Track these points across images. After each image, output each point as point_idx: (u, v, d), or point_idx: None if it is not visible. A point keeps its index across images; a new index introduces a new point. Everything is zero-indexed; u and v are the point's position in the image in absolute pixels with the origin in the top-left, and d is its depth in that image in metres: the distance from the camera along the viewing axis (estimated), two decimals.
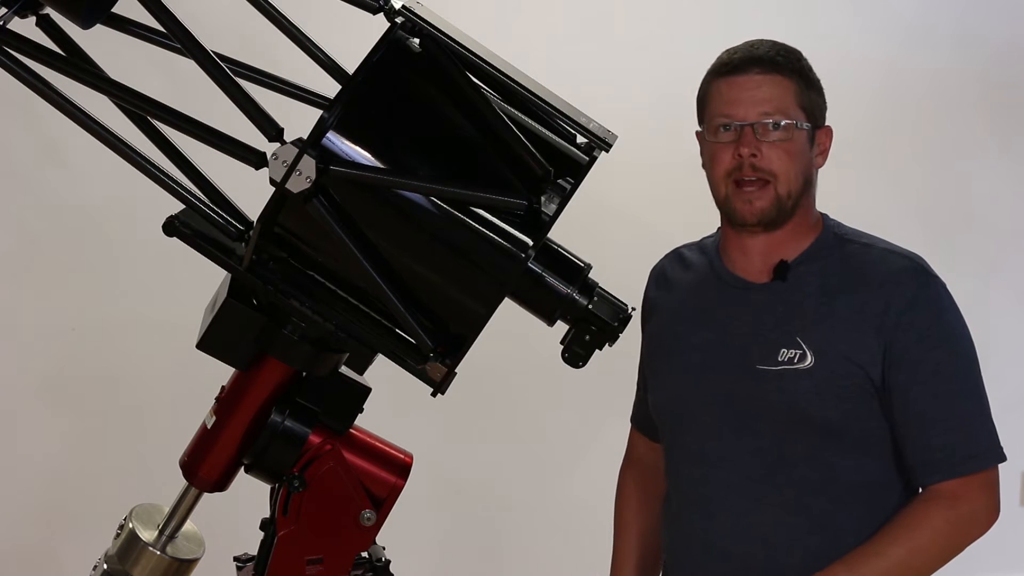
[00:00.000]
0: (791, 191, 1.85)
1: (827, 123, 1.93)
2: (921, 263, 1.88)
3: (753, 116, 1.83)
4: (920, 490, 1.87)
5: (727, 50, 1.90)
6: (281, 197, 1.47)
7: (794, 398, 1.83)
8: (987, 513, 1.84)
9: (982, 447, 1.83)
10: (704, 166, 1.91)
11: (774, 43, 1.89)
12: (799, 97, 1.86)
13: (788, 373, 1.83)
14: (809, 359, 1.83)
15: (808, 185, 1.89)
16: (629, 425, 2.24)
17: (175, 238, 1.57)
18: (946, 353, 1.84)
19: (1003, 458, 1.84)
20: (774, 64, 1.85)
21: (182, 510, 1.71)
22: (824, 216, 1.96)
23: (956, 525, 1.81)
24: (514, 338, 2.38)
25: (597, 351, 1.69)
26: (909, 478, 1.87)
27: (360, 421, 1.72)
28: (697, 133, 1.93)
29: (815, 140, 1.89)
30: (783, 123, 1.83)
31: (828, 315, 1.85)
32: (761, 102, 1.83)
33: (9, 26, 1.51)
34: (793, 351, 1.84)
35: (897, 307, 1.81)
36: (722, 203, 1.89)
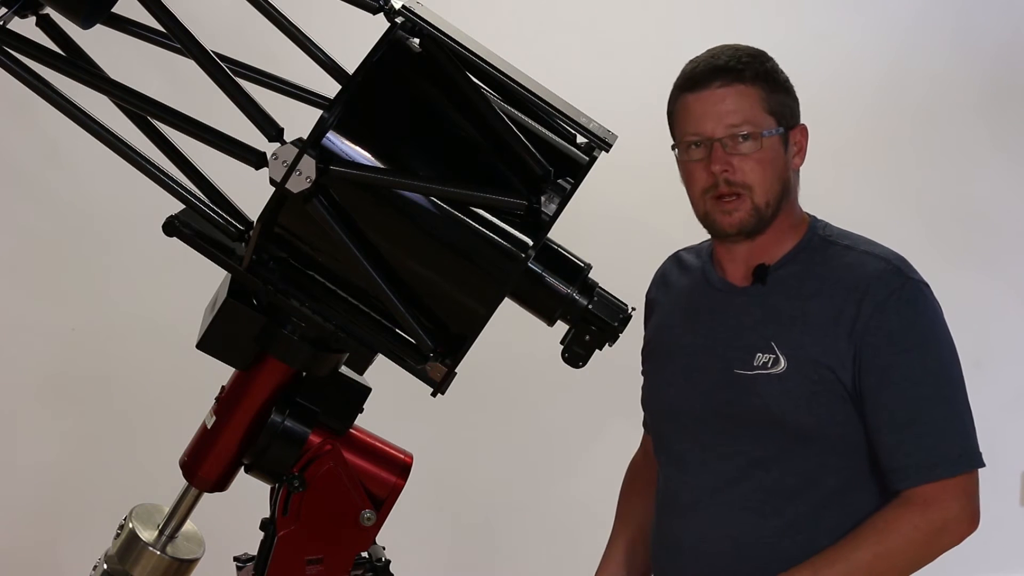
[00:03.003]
0: (769, 200, 1.84)
1: (804, 121, 1.91)
2: (899, 265, 1.86)
3: (721, 131, 1.82)
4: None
5: (690, 61, 1.89)
6: (281, 197, 1.47)
7: (767, 402, 1.83)
8: (961, 521, 1.80)
9: (954, 452, 1.80)
10: (683, 182, 1.91)
11: (736, 49, 1.87)
12: (765, 103, 1.84)
13: (761, 378, 1.84)
14: (782, 364, 1.83)
15: (787, 189, 1.87)
16: (629, 425, 2.24)
17: (175, 238, 1.57)
18: (918, 356, 1.81)
19: (978, 464, 1.81)
20: (736, 73, 1.83)
21: (182, 510, 1.71)
22: (812, 218, 1.95)
23: (926, 532, 1.79)
24: (514, 338, 2.38)
25: (597, 351, 1.69)
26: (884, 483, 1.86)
27: (360, 421, 1.72)
28: (673, 149, 1.92)
29: (789, 141, 1.87)
30: (752, 134, 1.82)
31: (801, 319, 1.84)
32: (727, 115, 1.82)
33: (9, 26, 1.51)
34: (767, 356, 1.84)
35: (868, 310, 1.80)
36: (703, 219, 1.89)
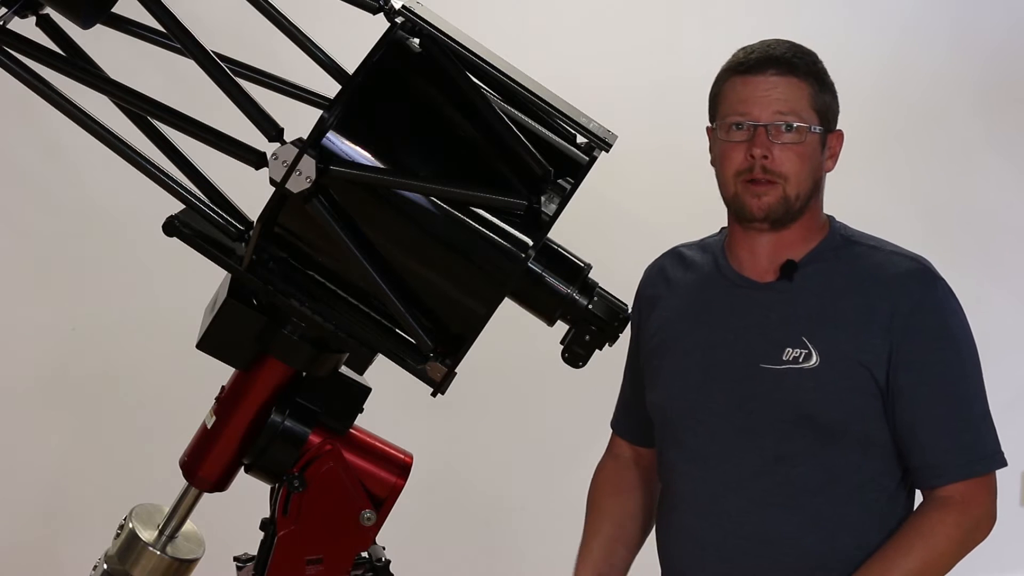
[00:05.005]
0: (800, 193, 1.85)
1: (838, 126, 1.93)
2: (927, 265, 1.88)
3: (767, 117, 1.83)
4: (922, 493, 1.87)
5: (743, 48, 1.89)
6: (281, 197, 1.47)
7: (797, 397, 1.83)
8: (990, 519, 1.84)
9: (988, 450, 1.84)
10: (713, 163, 1.90)
11: (791, 44, 1.88)
12: (813, 100, 1.85)
13: (792, 372, 1.83)
14: (814, 359, 1.83)
15: (816, 188, 1.88)
16: None
17: (175, 238, 1.57)
18: (953, 355, 1.84)
19: (1003, 462, 1.85)
20: (790, 65, 1.84)
21: (182, 510, 1.72)
22: (831, 218, 1.96)
23: (967, 530, 1.81)
24: (514, 338, 2.38)
25: (597, 351, 1.69)
26: (912, 480, 1.87)
27: (360, 421, 1.72)
28: (708, 129, 1.92)
29: (826, 143, 1.89)
30: (796, 125, 1.82)
31: (834, 315, 1.84)
32: (776, 103, 1.83)
33: (9, 26, 1.51)
34: (798, 350, 1.84)
35: (904, 309, 1.82)
36: (730, 200, 1.88)
